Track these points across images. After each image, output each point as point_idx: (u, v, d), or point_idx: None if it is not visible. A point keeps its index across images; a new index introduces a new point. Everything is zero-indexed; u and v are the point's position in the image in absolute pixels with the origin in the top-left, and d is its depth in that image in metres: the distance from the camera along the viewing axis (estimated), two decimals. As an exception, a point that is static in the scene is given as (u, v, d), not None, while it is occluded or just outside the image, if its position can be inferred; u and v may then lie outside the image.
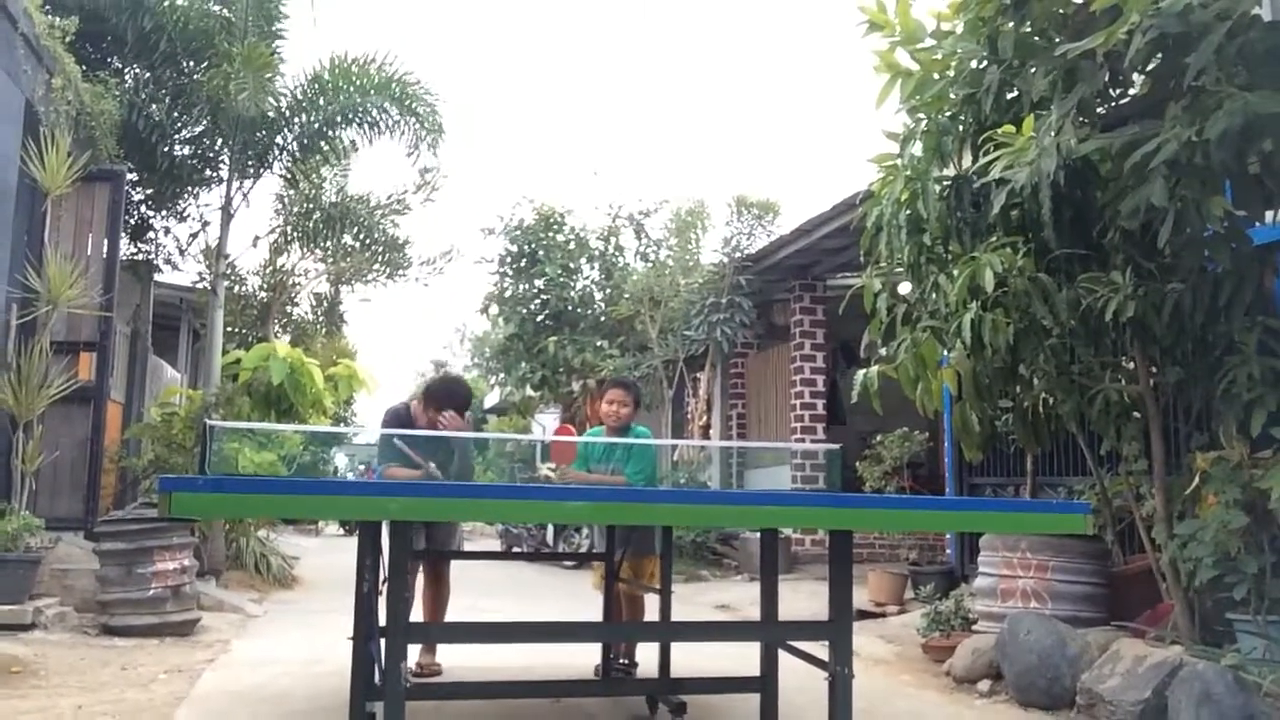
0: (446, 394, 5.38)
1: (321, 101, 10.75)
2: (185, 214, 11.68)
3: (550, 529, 13.31)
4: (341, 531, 19.95)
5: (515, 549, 14.34)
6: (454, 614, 5.54)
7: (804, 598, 7.77)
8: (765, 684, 3.90)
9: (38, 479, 7.08)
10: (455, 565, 5.64)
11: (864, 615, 7.59)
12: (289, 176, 11.58)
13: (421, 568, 5.35)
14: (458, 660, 5.30)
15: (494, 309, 15.97)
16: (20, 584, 6.10)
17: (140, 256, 11.53)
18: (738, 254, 12.36)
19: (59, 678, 4.98)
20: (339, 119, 10.91)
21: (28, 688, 4.77)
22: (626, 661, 5.16)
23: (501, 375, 18.07)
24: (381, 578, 3.86)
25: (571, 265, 15.29)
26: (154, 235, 11.74)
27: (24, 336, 7.16)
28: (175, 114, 10.46)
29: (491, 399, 26.07)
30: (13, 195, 7.21)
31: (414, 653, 5.21)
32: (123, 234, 9.38)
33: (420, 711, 4.09)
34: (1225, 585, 4.46)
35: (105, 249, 8.30)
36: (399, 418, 5.34)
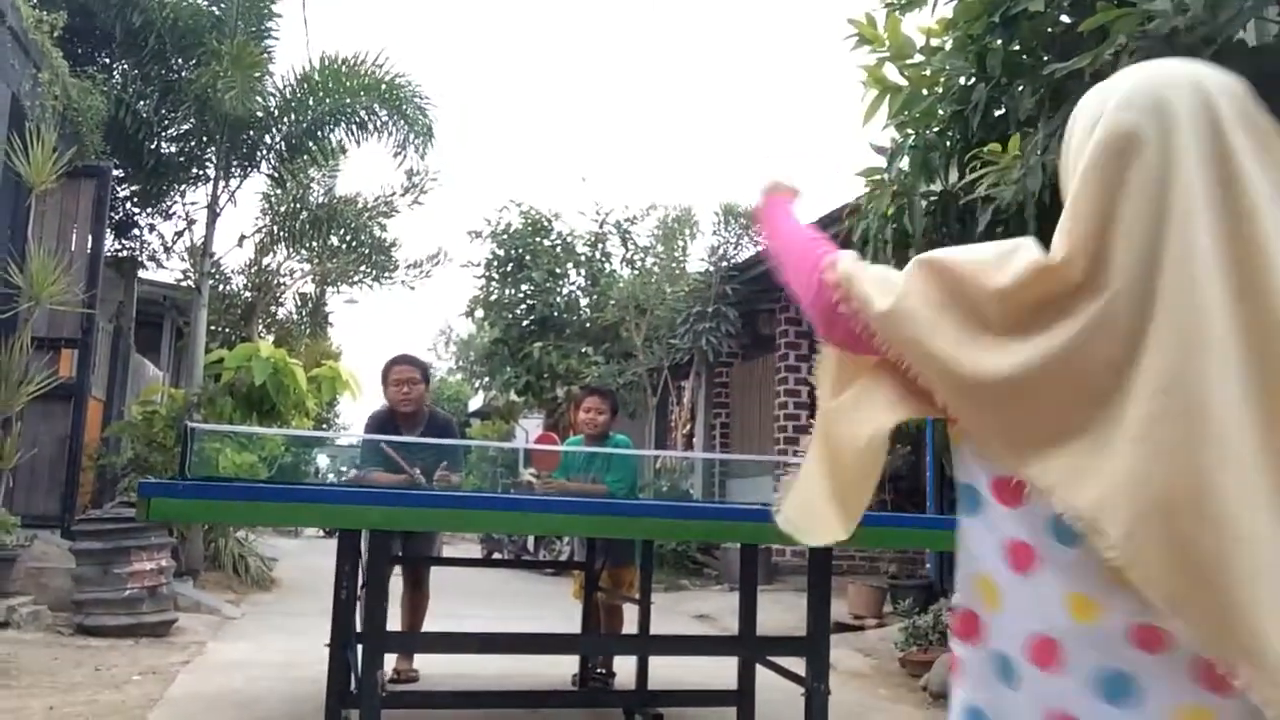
0: (401, 357, 5.34)
1: (311, 102, 10.74)
2: (171, 211, 11.65)
3: (531, 536, 13.29)
4: (321, 534, 19.85)
5: (496, 555, 14.32)
6: (433, 621, 5.52)
7: (783, 610, 7.77)
8: (742, 698, 3.91)
9: (15, 476, 7.02)
10: (435, 571, 5.62)
11: (842, 628, 7.59)
12: (276, 176, 11.55)
13: (401, 574, 5.33)
14: (435, 667, 5.29)
15: (479, 313, 15.94)
16: (-6, 582, 6.06)
17: (124, 253, 11.47)
18: (724, 263, 12.38)
19: (31, 678, 4.94)
20: (327, 120, 10.89)
21: (-1, 688, 4.73)
22: (604, 671, 5.15)
23: (486, 379, 18.05)
24: (360, 584, 3.84)
25: (558, 271, 15.28)
26: (139, 232, 11.70)
27: (5, 332, 7.10)
28: (163, 111, 10.42)
29: (475, 403, 26.03)
30: (-4, 190, 7.17)
31: (391, 659, 5.20)
32: (107, 230, 9.33)
33: (395, 719, 4.07)
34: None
35: (89, 245, 8.25)
36: (382, 422, 5.31)
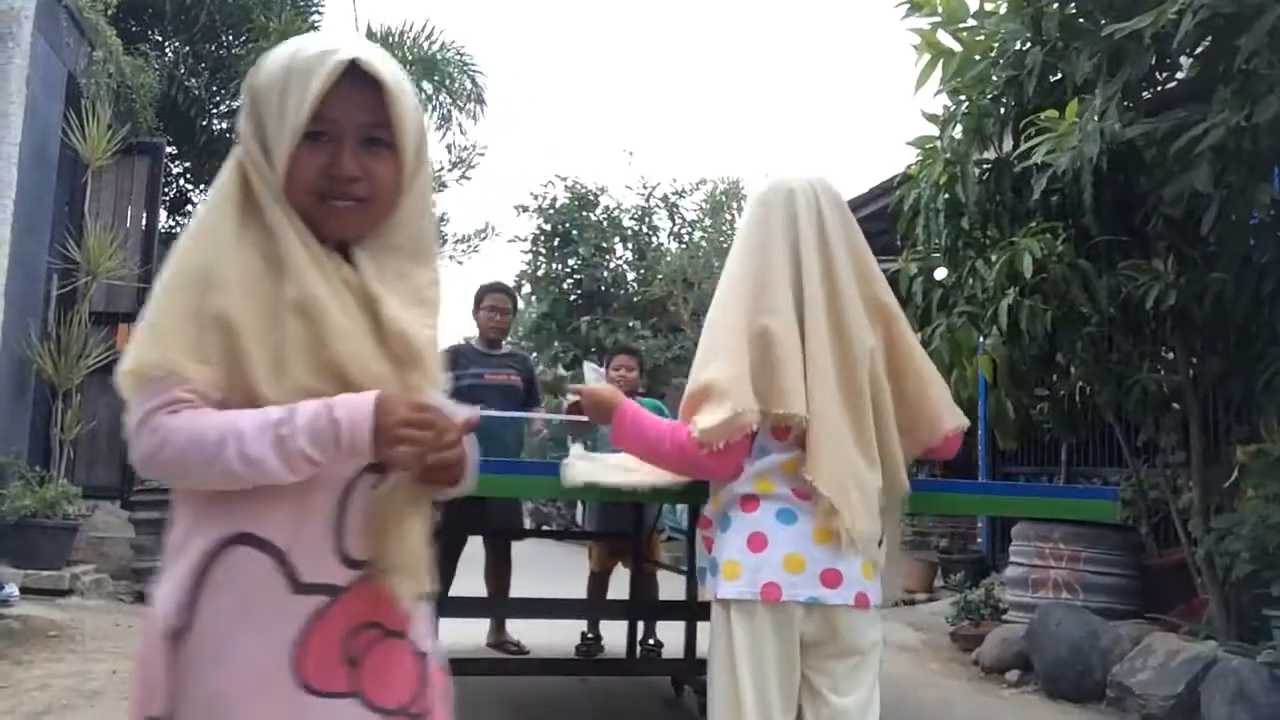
0: (496, 285, 5.71)
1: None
2: (223, 188, 11.78)
3: (579, 508, 13.34)
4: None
5: (544, 527, 14.40)
6: (477, 589, 5.56)
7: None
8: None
9: (76, 448, 7.18)
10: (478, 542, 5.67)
11: (893, 602, 7.55)
12: (325, 152, 11.64)
13: (484, 546, 5.42)
14: (482, 637, 5.34)
15: (527, 288, 15.98)
16: (58, 550, 6.20)
17: (178, 229, 11.64)
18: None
19: (94, 643, 5.06)
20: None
21: (64, 651, 4.85)
22: (653, 641, 5.16)
23: (534, 354, 18.09)
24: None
25: (605, 245, 15.26)
26: (192, 208, 11.84)
27: (64, 307, 7.25)
28: (214, 88, 10.52)
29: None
30: (54, 166, 7.29)
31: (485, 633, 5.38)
32: (161, 206, 9.46)
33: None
34: (1262, 581, 4.39)
35: (144, 221, 8.38)
36: (457, 354, 5.40)
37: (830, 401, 1.99)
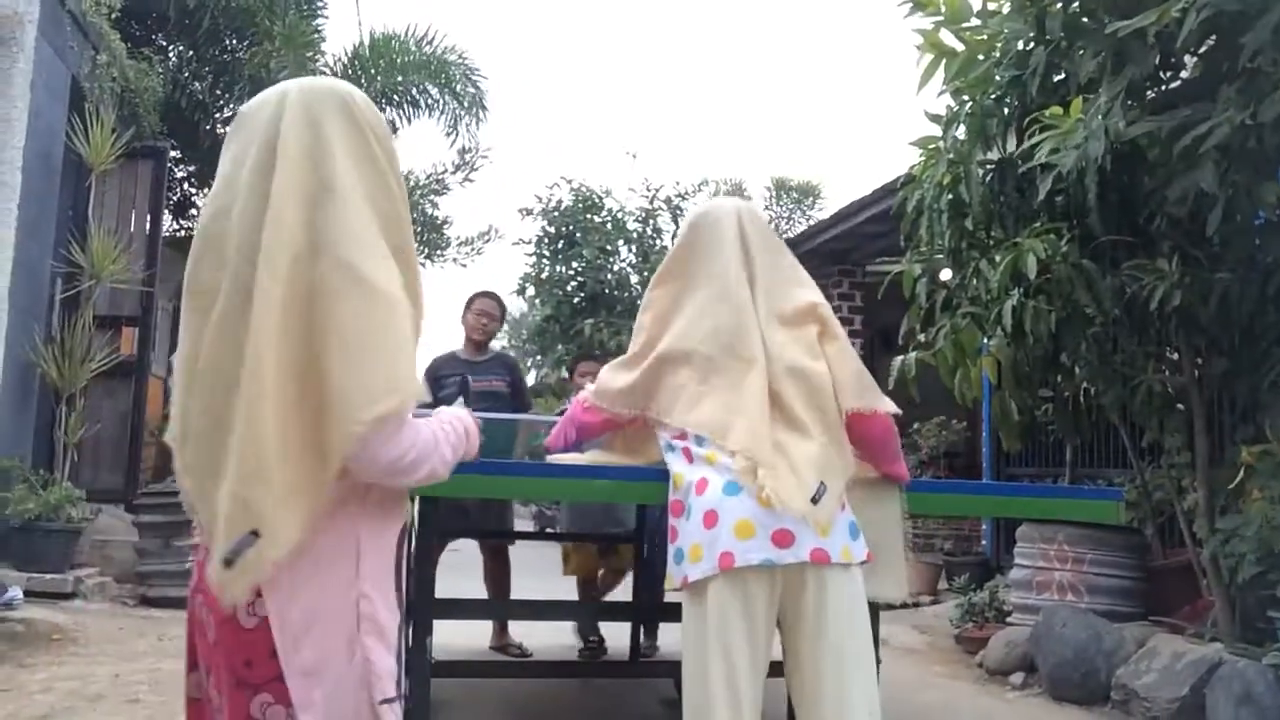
0: (487, 292, 5.72)
1: (362, 81, 10.79)
2: (227, 192, 11.77)
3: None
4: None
5: (548, 530, 14.38)
6: (477, 593, 5.55)
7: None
8: (794, 670, 3.86)
9: (80, 451, 7.18)
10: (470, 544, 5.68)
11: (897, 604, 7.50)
12: (329, 155, 11.63)
13: (480, 551, 5.43)
14: (483, 640, 5.33)
15: (531, 290, 15.95)
16: (62, 554, 6.20)
17: (183, 233, 11.65)
18: (776, 238, 12.26)
19: (97, 646, 5.06)
20: (379, 98, 10.95)
21: (67, 655, 4.85)
22: (649, 644, 5.14)
23: (538, 357, 18.11)
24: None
25: (608, 248, 15.23)
26: (195, 212, 11.85)
27: (68, 310, 7.26)
28: (218, 92, 10.53)
29: (527, 380, 26.14)
30: (58, 170, 7.30)
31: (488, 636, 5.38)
32: (166, 211, 9.47)
33: (446, 688, 4.12)
34: (1268, 582, 4.36)
35: (148, 225, 8.38)
36: (441, 362, 5.49)
37: (752, 393, 2.19)
